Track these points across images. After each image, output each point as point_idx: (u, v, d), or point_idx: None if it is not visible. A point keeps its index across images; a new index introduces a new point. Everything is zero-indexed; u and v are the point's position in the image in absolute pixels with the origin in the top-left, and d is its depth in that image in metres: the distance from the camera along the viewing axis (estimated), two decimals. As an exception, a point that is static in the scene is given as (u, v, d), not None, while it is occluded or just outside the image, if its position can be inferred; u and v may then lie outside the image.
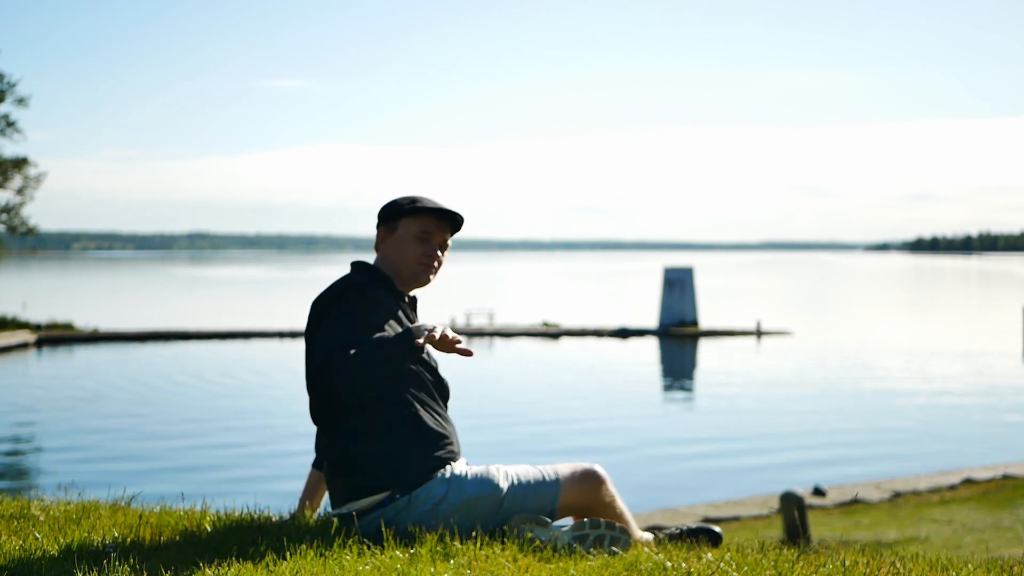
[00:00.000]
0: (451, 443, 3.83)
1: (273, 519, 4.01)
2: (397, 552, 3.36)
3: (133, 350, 37.66)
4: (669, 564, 3.35)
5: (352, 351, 3.52)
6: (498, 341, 41.94)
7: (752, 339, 42.38)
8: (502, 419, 22.32)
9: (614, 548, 3.64)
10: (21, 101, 43.16)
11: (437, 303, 54.03)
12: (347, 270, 3.97)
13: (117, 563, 3.22)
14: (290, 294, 77.63)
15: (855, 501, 15.27)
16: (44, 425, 22.53)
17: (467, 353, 3.49)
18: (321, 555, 3.33)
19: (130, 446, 19.59)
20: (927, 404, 25.26)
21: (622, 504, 3.92)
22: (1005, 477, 16.69)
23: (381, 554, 3.37)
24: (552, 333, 43.52)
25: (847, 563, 3.45)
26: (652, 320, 46.19)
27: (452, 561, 3.29)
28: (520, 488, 3.78)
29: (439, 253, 3.96)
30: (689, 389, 29.49)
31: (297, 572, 3.15)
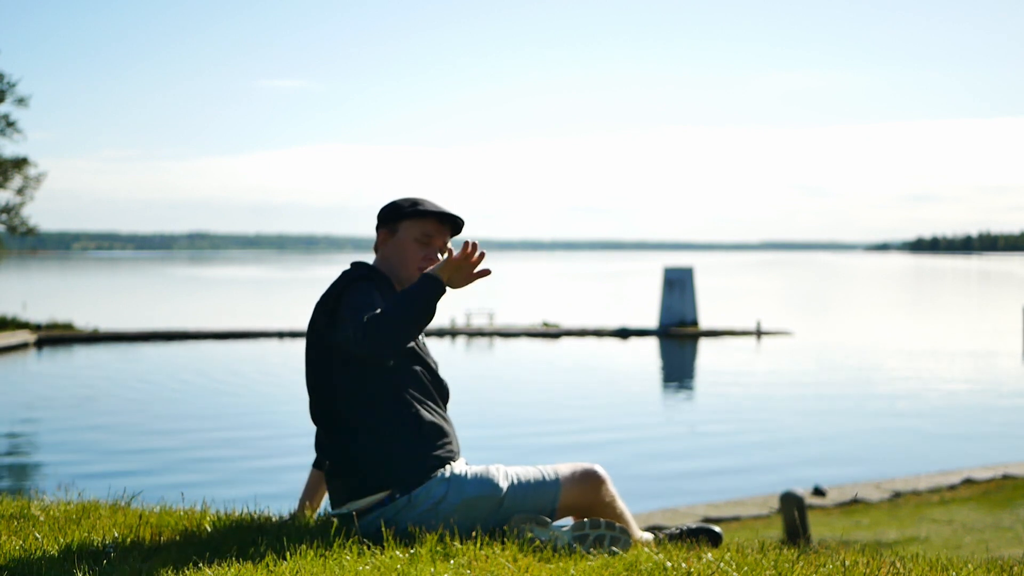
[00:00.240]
0: (451, 443, 3.83)
1: (273, 519, 4.01)
2: (397, 552, 3.36)
3: (133, 350, 37.66)
4: (669, 564, 3.35)
5: (379, 310, 3.54)
6: (498, 341, 41.95)
7: (752, 339, 42.39)
8: (502, 419, 22.32)
9: (614, 548, 3.64)
10: (21, 101, 43.18)
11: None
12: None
13: (117, 563, 3.22)
14: (290, 294, 77.72)
15: (855, 501, 15.27)
16: (44, 425, 22.54)
17: (486, 273, 3.61)
18: (321, 555, 3.33)
19: (130, 446, 19.58)
20: (927, 404, 25.25)
21: (622, 504, 3.92)
22: (1005, 477, 16.69)
23: (381, 554, 3.37)
24: (552, 333, 43.51)
25: (847, 563, 3.46)
26: (652, 320, 46.20)
27: (452, 561, 3.29)
28: (520, 488, 3.78)
29: (439, 256, 3.97)
30: (689, 389, 29.50)
31: (297, 572, 3.15)
